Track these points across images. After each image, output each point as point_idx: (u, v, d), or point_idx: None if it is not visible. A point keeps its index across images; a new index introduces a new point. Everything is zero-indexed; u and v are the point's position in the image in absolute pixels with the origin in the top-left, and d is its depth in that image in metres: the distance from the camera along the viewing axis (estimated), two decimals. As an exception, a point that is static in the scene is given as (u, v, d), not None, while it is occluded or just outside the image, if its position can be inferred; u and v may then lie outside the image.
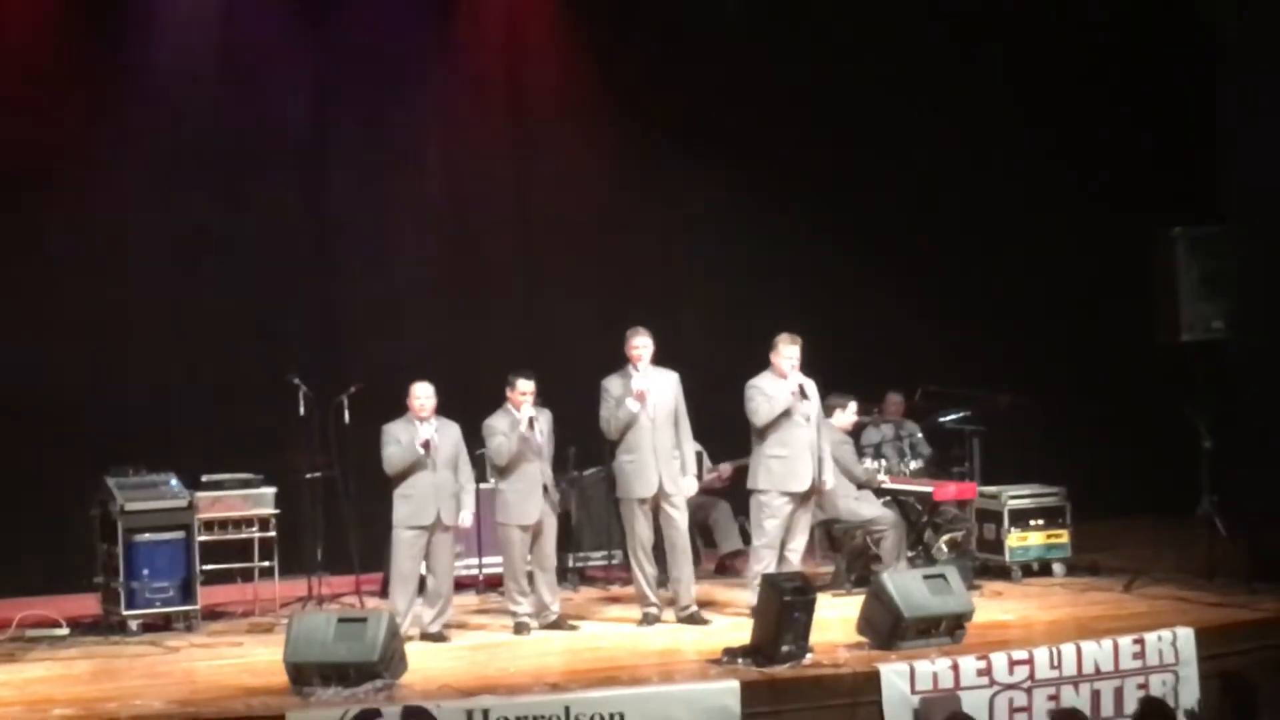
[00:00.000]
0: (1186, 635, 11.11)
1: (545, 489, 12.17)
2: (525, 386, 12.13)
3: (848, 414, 13.69)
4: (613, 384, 12.26)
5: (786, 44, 16.03)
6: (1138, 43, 16.43)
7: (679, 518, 12.32)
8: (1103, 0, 16.45)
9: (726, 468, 14.17)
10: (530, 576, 12.26)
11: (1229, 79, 13.65)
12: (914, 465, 14.39)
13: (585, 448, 13.54)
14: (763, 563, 12.11)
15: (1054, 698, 10.54)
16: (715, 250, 16.25)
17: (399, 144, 15.54)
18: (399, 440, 11.94)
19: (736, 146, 16.09)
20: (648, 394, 12.15)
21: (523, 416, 12.06)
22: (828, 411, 13.00)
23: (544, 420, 12.22)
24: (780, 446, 12.31)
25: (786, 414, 12.27)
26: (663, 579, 12.50)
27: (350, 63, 15.21)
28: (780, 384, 12.32)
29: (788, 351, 12.35)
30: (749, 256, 16.12)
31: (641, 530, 12.23)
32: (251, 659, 11.37)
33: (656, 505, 12.24)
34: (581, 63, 16.15)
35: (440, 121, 15.73)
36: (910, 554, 13.49)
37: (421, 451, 11.88)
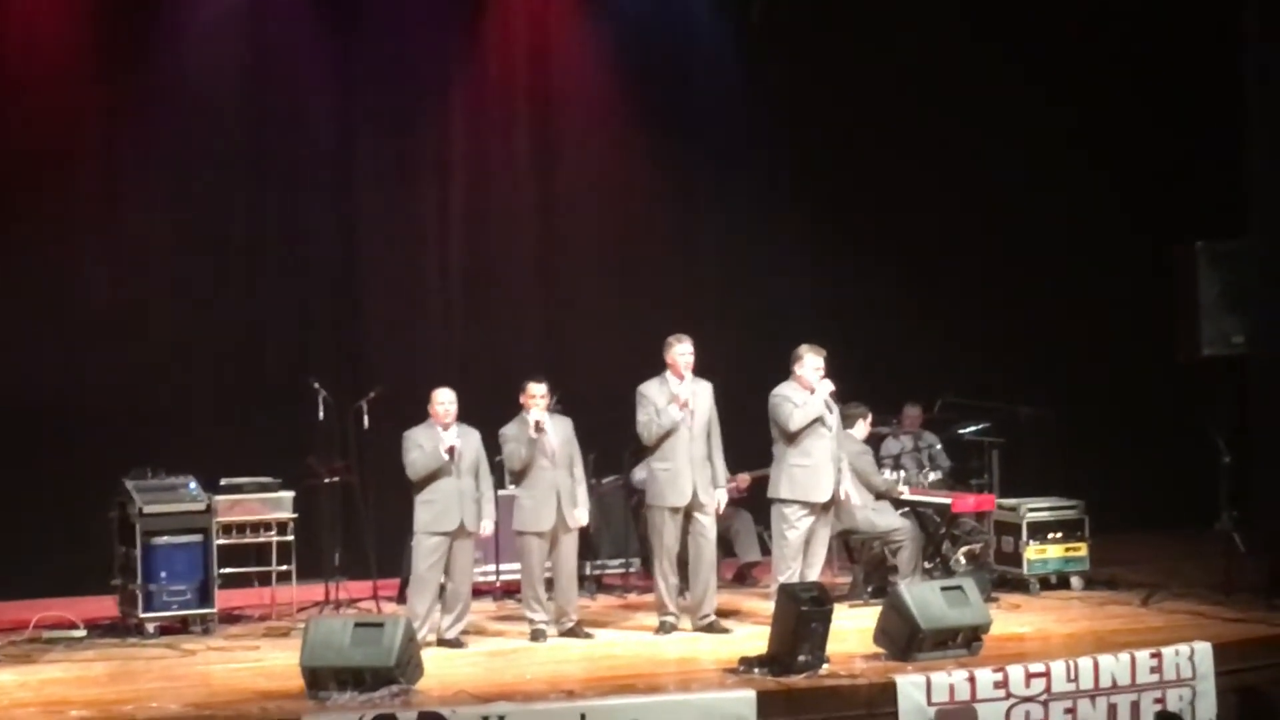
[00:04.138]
0: (1204, 650, 11.04)
1: (560, 497, 12.06)
2: (535, 390, 12.07)
3: (864, 424, 13.65)
4: (651, 390, 12.19)
5: (810, 50, 16.03)
6: (1161, 58, 16.40)
7: (709, 528, 12.28)
8: (1126, 14, 16.39)
9: (745, 478, 14.10)
10: (548, 583, 12.21)
11: (1254, 96, 13.61)
12: (932, 477, 14.36)
13: (604, 456, 13.49)
14: (784, 573, 12.05)
15: (1070, 711, 10.51)
16: (736, 260, 16.23)
17: (423, 151, 15.56)
18: (421, 446, 11.91)
19: (757, 155, 16.17)
20: (690, 400, 12.12)
21: (531, 420, 12.01)
22: (847, 422, 12.99)
23: (563, 428, 12.18)
24: (804, 457, 12.25)
25: (811, 424, 12.22)
26: (682, 588, 12.45)
27: (376, 70, 15.22)
28: (803, 394, 12.27)
29: (813, 362, 12.30)
30: (769, 267, 16.10)
31: (670, 539, 12.18)
32: (268, 663, 11.34)
33: (688, 514, 12.19)
34: (606, 71, 16.18)
35: (464, 130, 15.74)
36: (928, 565, 13.47)
37: (446, 457, 11.84)
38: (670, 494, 12.16)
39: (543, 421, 12.02)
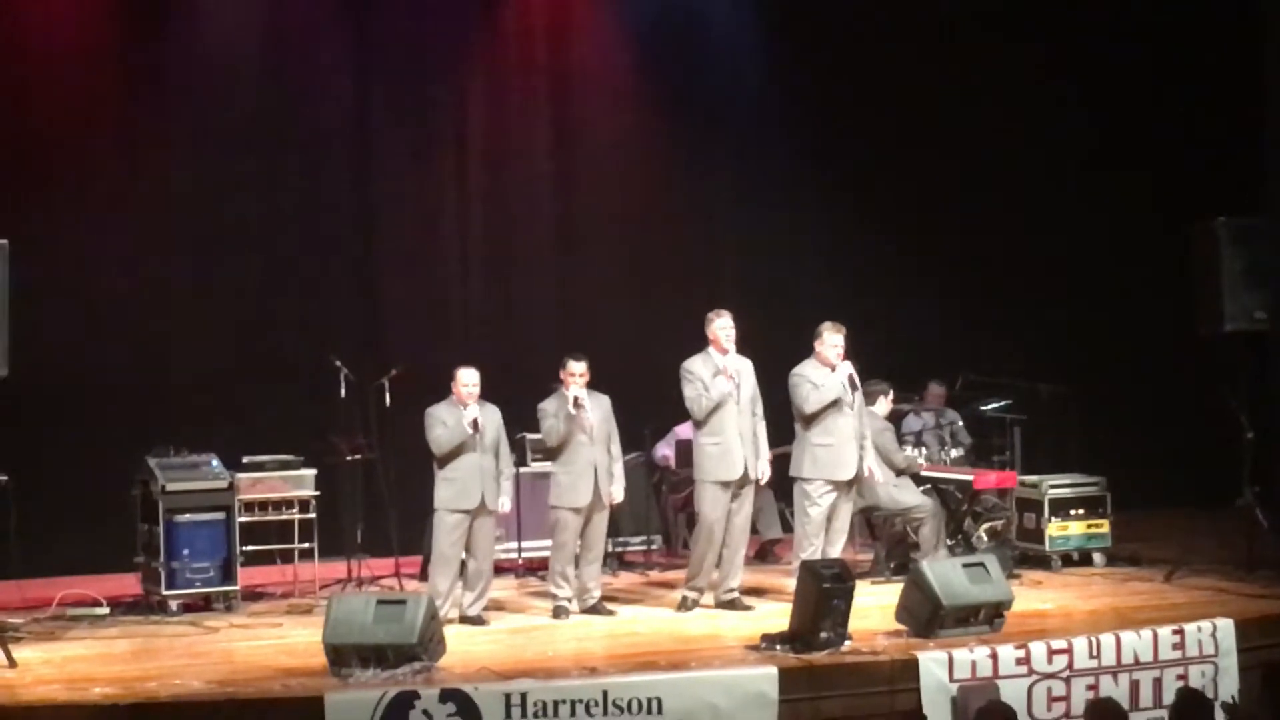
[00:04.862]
0: (1226, 626, 11.04)
1: (597, 473, 12.10)
2: (575, 367, 12.14)
3: (885, 402, 13.65)
4: (696, 366, 12.17)
5: (829, 28, 16.01)
6: (1181, 37, 16.40)
7: (747, 504, 12.31)
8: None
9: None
10: (576, 560, 12.25)
11: (1272, 76, 13.59)
12: (954, 453, 14.38)
13: (624, 433, 13.44)
14: (807, 550, 12.05)
15: (1093, 688, 10.48)
16: (755, 238, 16.23)
17: (440, 131, 15.62)
18: (445, 422, 11.93)
19: (776, 135, 16.22)
20: (735, 375, 12.14)
21: (570, 396, 12.05)
22: (869, 399, 12.96)
23: (601, 405, 12.22)
24: (826, 435, 12.24)
25: (834, 402, 12.21)
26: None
27: (393, 49, 15.25)
28: (824, 372, 12.26)
29: (832, 340, 12.28)
30: (788, 246, 16.12)
31: (719, 513, 12.14)
32: (290, 640, 11.37)
33: (737, 489, 12.20)
34: (623, 51, 16.22)
35: (482, 110, 15.77)
36: (950, 542, 13.47)
37: (471, 430, 11.86)
38: (721, 469, 12.15)
39: (582, 398, 12.06)
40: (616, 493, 12.32)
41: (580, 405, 12.06)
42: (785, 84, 16.22)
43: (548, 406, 12.24)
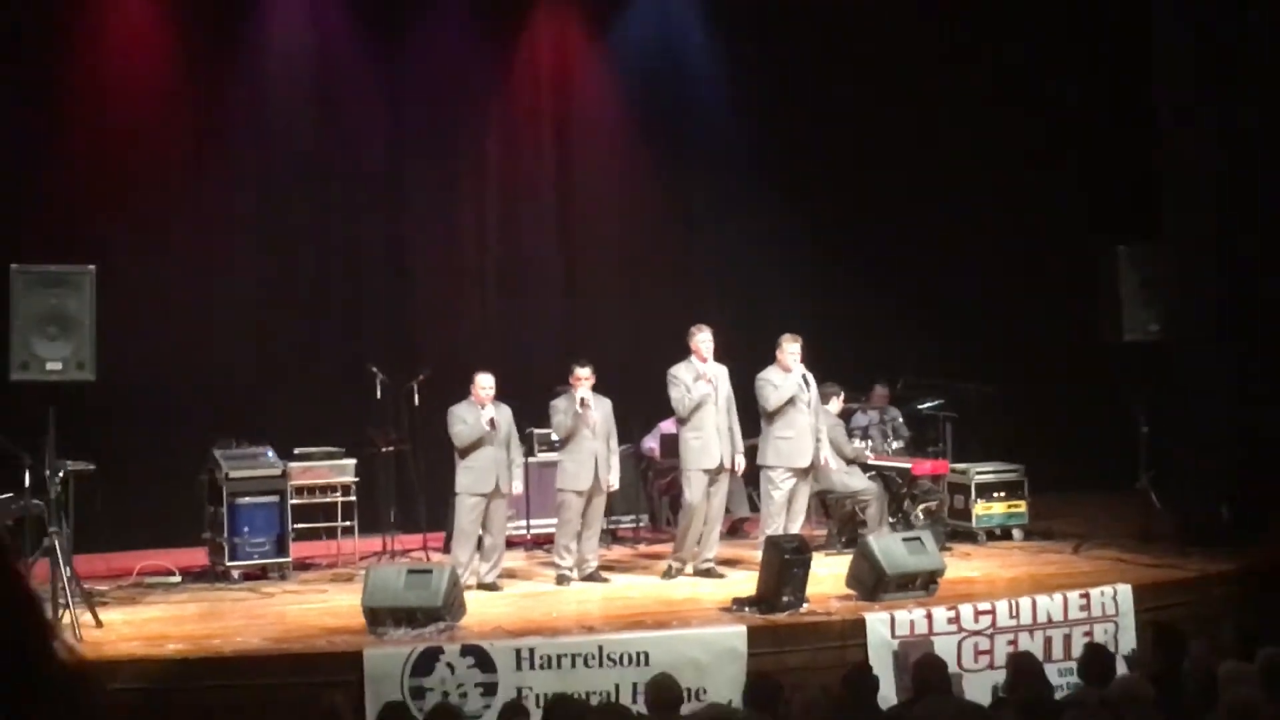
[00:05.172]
0: (1125, 591, 11.13)
1: (597, 462, 12.18)
2: (581, 372, 12.22)
3: (837, 401, 13.74)
4: (680, 371, 12.27)
5: (792, 80, 16.01)
6: (1101, 82, 16.39)
7: (722, 488, 12.42)
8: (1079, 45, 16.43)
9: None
10: (577, 535, 12.34)
11: (1167, 125, 13.65)
12: (895, 445, 14.40)
13: (616, 427, 13.56)
14: (771, 527, 12.14)
15: (1012, 643, 10.55)
16: (727, 261, 16.22)
17: (461, 166, 15.59)
18: (465, 420, 12.03)
19: (746, 170, 16.12)
20: (713, 380, 12.23)
21: (577, 397, 12.16)
22: (823, 399, 13.01)
23: (604, 406, 12.31)
24: (787, 429, 12.36)
25: (791, 401, 12.33)
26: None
27: (423, 99, 15.27)
28: (785, 376, 12.38)
29: (791, 348, 12.42)
30: (757, 267, 16.07)
31: (700, 497, 12.24)
32: (334, 604, 11.42)
33: (715, 476, 12.31)
34: (617, 97, 16.23)
35: (496, 148, 15.76)
36: (891, 520, 13.51)
37: (488, 428, 11.97)
38: (703, 459, 12.23)
39: (588, 399, 12.17)
40: (614, 480, 12.40)
41: (586, 405, 12.15)
42: (752, 126, 16.20)
43: (559, 404, 12.33)
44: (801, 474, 12.41)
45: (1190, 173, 13.35)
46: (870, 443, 14.23)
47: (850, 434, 14.03)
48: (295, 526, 12.77)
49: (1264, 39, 13.08)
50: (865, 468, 13.73)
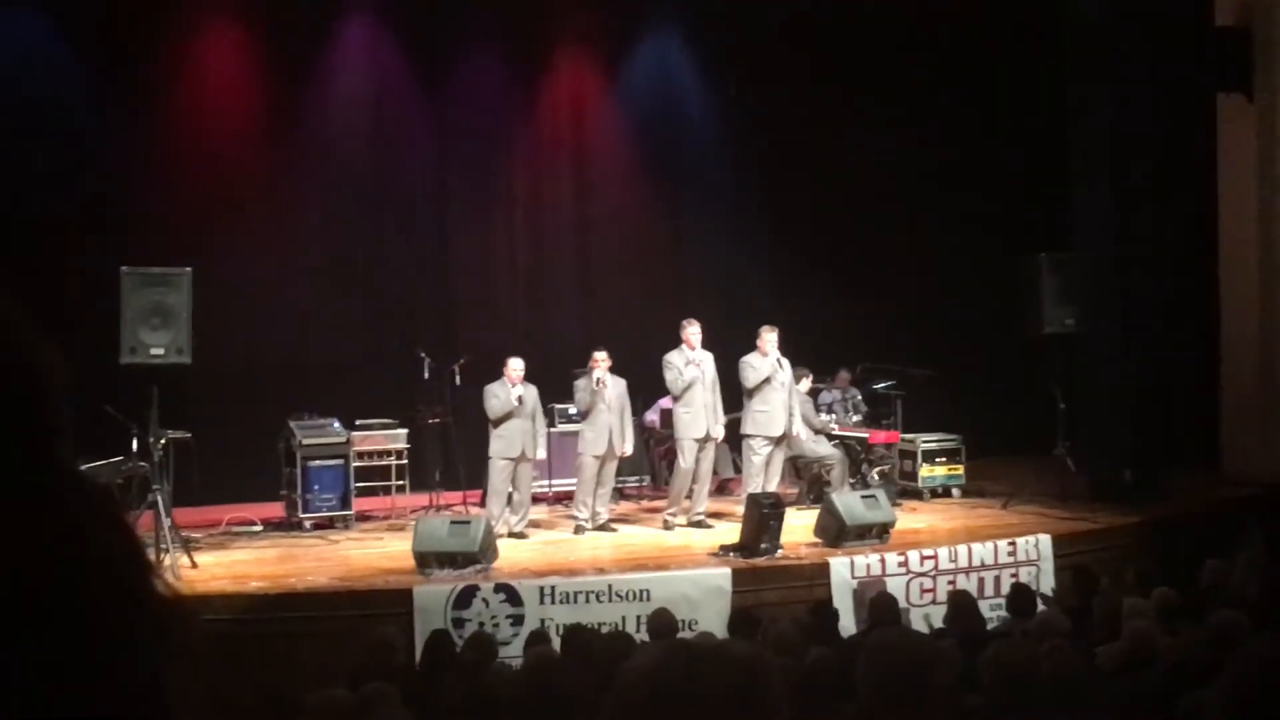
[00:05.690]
0: (1046, 540, 11.14)
1: (612, 432, 12.12)
2: (599, 356, 12.17)
3: (807, 381, 13.70)
4: (673, 357, 12.23)
5: (773, 116, 15.90)
6: (1021, 109, 16.29)
7: (710, 453, 12.39)
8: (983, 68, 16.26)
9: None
10: (593, 492, 12.27)
11: (1078, 147, 13.64)
12: (855, 418, 14.38)
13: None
14: (751, 486, 12.11)
15: (952, 583, 10.54)
16: (715, 264, 16.13)
17: (495, 186, 15.50)
18: (498, 396, 11.98)
19: (732, 190, 16.06)
20: (700, 364, 12.20)
21: (595, 377, 12.10)
22: (795, 380, 12.96)
23: (618, 385, 12.23)
24: (764, 404, 12.31)
25: (768, 381, 12.28)
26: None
27: (461, 127, 15.16)
28: (762, 360, 12.34)
29: (768, 337, 12.39)
30: (739, 272, 15.95)
31: (691, 461, 12.20)
32: (389, 549, 11.39)
33: (703, 444, 12.25)
34: (624, 131, 16.14)
35: (525, 171, 15.70)
36: (851, 481, 13.50)
37: (516, 403, 11.94)
38: (693, 429, 12.19)
39: (604, 379, 12.11)
40: (627, 447, 12.35)
41: (603, 384, 12.09)
42: (732, 154, 16.09)
43: (580, 383, 12.27)
44: (777, 442, 12.37)
45: (1098, 193, 13.34)
46: (834, 416, 14.18)
47: (817, 409, 14.00)
48: (357, 485, 12.73)
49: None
50: (830, 437, 13.73)
